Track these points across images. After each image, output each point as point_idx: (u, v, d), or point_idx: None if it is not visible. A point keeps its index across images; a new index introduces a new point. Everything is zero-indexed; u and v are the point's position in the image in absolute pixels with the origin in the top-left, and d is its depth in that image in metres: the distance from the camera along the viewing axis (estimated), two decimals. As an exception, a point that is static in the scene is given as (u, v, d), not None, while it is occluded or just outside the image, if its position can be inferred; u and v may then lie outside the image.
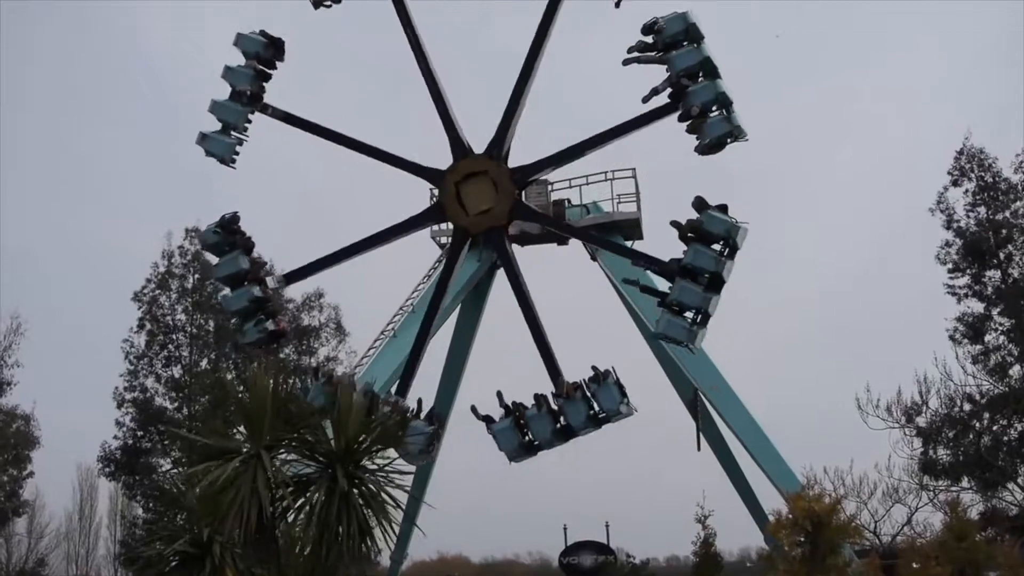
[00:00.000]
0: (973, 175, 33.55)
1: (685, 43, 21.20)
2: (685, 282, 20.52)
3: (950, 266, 33.10)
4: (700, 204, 20.81)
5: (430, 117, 23.90)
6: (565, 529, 40.04)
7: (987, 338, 32.37)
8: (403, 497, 12.45)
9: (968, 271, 32.95)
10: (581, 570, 37.97)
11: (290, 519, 12.49)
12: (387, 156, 24.50)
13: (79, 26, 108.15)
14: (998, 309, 32.38)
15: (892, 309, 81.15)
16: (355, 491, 11.97)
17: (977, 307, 32.77)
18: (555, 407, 21.47)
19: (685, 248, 20.70)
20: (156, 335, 40.06)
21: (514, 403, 21.71)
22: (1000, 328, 32.32)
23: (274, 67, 24.79)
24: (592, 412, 21.28)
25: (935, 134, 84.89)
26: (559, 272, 30.74)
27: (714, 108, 21.11)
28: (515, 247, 31.01)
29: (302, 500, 12.23)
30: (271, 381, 12.71)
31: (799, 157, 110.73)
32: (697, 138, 21.38)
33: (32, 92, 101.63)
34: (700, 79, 21.12)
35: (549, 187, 30.20)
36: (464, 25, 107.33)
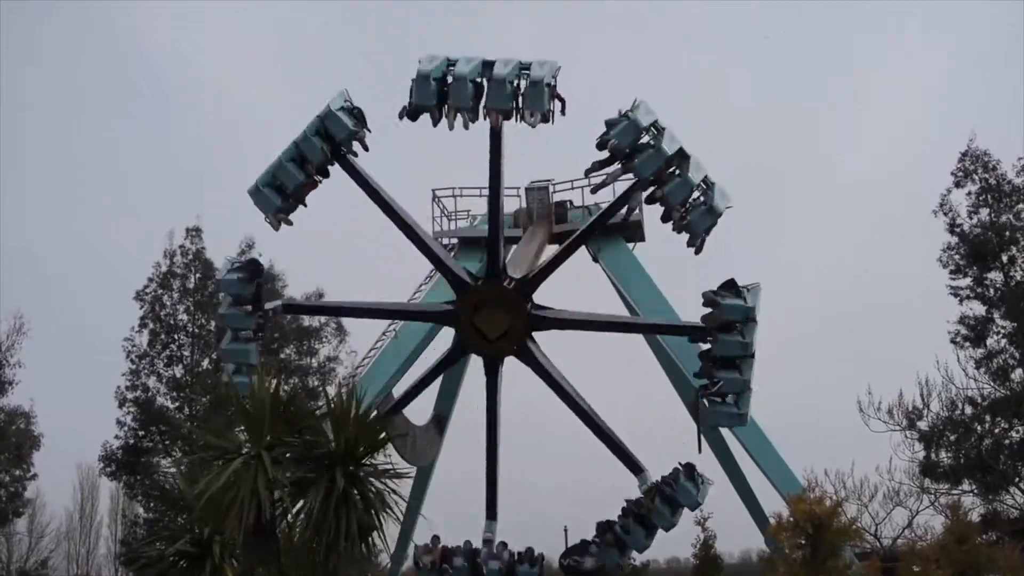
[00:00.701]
0: (977, 177, 33.47)
1: (644, 146, 20.43)
2: (722, 372, 21.13)
3: (952, 267, 33.03)
4: (711, 301, 20.94)
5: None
6: (566, 530, 39.95)
7: (989, 341, 32.30)
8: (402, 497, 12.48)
9: (970, 273, 32.88)
10: (581, 571, 37.81)
11: (290, 519, 12.51)
12: (400, 313, 25.32)
13: (79, 26, 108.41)
14: (1000, 312, 32.30)
15: (893, 310, 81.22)
16: (354, 491, 11.99)
17: (979, 310, 32.71)
18: (640, 513, 22.64)
19: (710, 340, 21.24)
20: (158, 334, 40.05)
21: (603, 530, 23.00)
22: (1002, 331, 32.24)
23: (259, 299, 22.94)
24: (674, 506, 22.59)
25: (935, 135, 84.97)
26: (561, 272, 30.72)
27: (693, 197, 20.67)
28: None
29: (302, 501, 12.24)
30: (272, 382, 12.74)
31: (800, 157, 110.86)
32: (685, 231, 21.02)
33: (32, 92, 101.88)
34: (672, 169, 20.45)
35: (551, 189, 30.18)
36: (460, 27, 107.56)
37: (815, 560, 20.01)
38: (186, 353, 40.18)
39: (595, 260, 30.07)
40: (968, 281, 32.91)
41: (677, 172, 20.28)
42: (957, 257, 33.00)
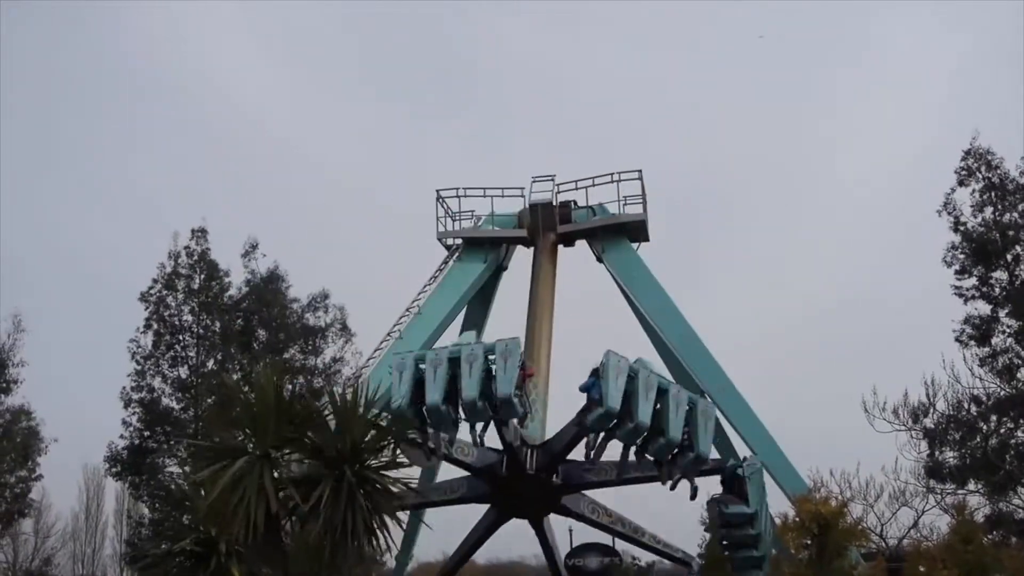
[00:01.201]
0: (980, 175, 33.26)
1: (622, 419, 19.56)
2: (739, 552, 22.23)
3: (957, 267, 32.86)
4: (722, 518, 21.96)
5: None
6: (571, 531, 39.93)
7: (994, 340, 32.14)
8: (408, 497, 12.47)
9: (974, 272, 32.71)
10: (586, 572, 37.79)
11: (296, 519, 12.51)
12: (445, 501, 25.91)
13: (79, 26, 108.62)
14: (1005, 311, 32.14)
15: (897, 310, 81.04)
16: (360, 491, 12.00)
17: (984, 309, 32.55)
18: None
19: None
20: (163, 335, 40.04)
21: None
22: (1008, 330, 32.08)
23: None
24: None
25: (940, 134, 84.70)
26: (565, 270, 30.84)
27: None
28: (520, 247, 31.21)
29: (308, 500, 12.24)
30: (276, 382, 12.75)
31: (804, 159, 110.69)
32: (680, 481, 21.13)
33: (31, 92, 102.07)
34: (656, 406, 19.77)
35: (555, 188, 30.23)
36: (453, 31, 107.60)
37: (821, 560, 19.99)
38: (191, 354, 40.15)
39: (599, 260, 30.12)
40: (973, 280, 32.75)
41: (659, 407, 19.81)
42: (962, 256, 32.83)
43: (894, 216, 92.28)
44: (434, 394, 18.89)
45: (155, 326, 40.15)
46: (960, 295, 32.76)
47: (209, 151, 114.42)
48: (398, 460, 12.67)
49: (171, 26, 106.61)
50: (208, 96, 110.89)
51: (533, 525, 26.35)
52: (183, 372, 39.92)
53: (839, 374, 73.06)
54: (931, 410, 31.01)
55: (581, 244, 30.73)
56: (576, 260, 31.31)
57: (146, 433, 39.00)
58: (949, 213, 33.30)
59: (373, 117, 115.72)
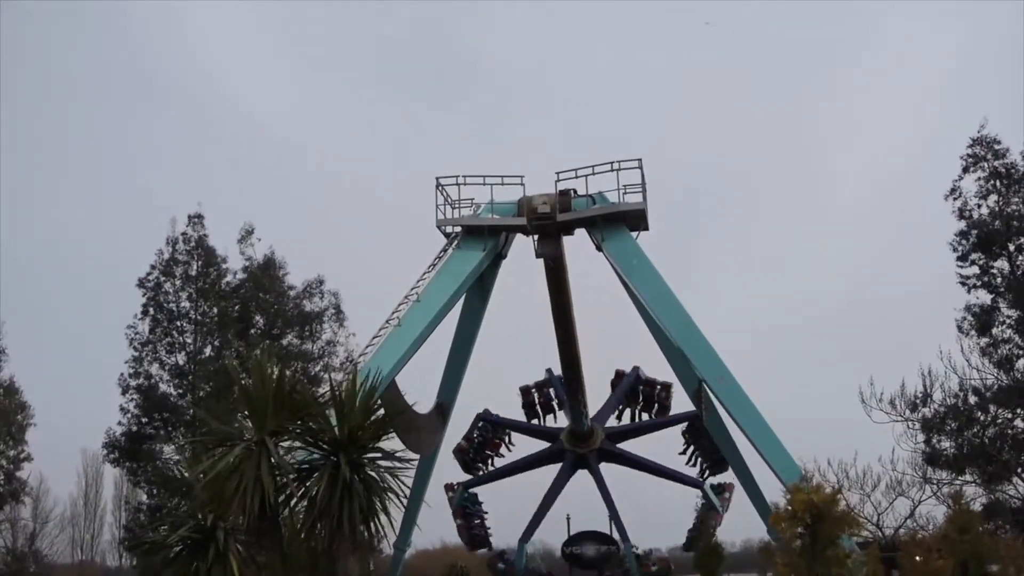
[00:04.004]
0: (987, 164, 33.12)
1: None
2: None
3: (959, 254, 32.81)
4: None
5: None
6: (568, 519, 40.08)
7: (994, 330, 32.14)
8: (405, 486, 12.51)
9: (976, 262, 32.68)
10: (584, 560, 37.98)
11: (293, 506, 12.53)
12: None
13: (79, 25, 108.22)
14: (1006, 301, 32.12)
15: (895, 304, 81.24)
16: (357, 478, 12.01)
17: (985, 299, 32.54)
18: None
19: None
20: (160, 322, 39.98)
21: None
22: (1007, 320, 32.07)
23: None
24: None
25: (942, 130, 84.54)
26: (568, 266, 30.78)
27: None
28: (520, 236, 31.16)
29: (305, 487, 12.26)
30: (274, 369, 12.75)
31: (803, 155, 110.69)
32: None
33: (30, 91, 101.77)
34: None
35: (555, 177, 30.15)
36: (452, 30, 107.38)
37: (814, 549, 19.98)
38: (188, 340, 40.13)
39: (599, 249, 30.07)
40: (975, 269, 32.71)
41: None
42: (965, 243, 32.77)
43: (892, 212, 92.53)
44: None
45: (152, 312, 40.09)
46: (963, 283, 32.76)
47: (208, 144, 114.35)
48: (395, 450, 12.68)
49: (168, 20, 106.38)
50: (208, 91, 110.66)
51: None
52: (180, 358, 39.90)
53: (837, 366, 73.37)
54: (928, 399, 31.11)
55: (581, 232, 30.67)
56: (576, 249, 31.30)
57: (144, 419, 39.00)
58: (955, 199, 33.24)
59: (372, 110, 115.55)
